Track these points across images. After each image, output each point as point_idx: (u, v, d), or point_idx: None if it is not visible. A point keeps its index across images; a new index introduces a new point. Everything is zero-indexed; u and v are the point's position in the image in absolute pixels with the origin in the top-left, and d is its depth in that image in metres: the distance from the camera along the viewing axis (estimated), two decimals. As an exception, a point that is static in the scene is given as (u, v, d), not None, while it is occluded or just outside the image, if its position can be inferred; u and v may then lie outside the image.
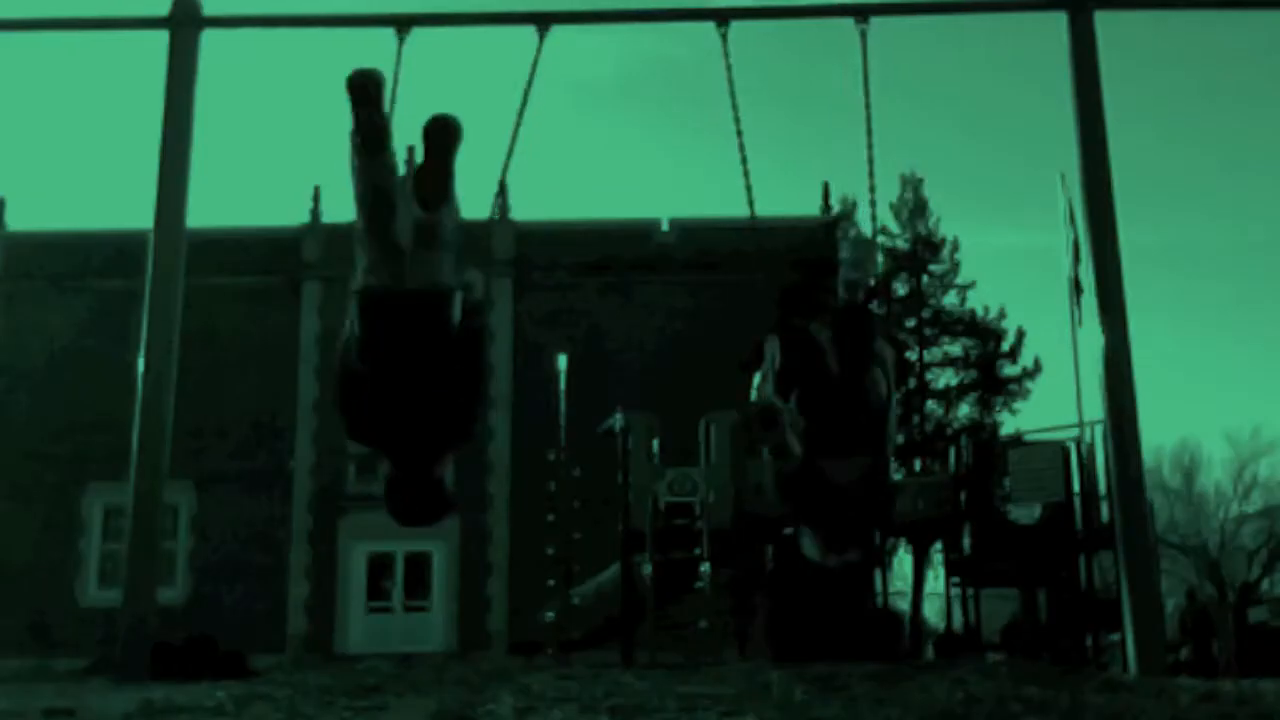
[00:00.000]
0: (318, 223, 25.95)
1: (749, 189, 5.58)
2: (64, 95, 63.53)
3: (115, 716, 3.09)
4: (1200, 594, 27.36)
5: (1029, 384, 35.56)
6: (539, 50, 5.52)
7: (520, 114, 5.47)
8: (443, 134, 3.50)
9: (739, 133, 5.55)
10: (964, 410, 35.34)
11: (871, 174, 5.38)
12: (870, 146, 5.39)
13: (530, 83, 5.52)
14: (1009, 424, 33.71)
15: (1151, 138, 58.38)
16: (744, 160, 5.59)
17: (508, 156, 5.41)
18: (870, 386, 4.35)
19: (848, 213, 35.86)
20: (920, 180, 37.23)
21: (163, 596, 5.54)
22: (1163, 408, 62.39)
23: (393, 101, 5.52)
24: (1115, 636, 13.97)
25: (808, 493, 4.44)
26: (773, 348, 4.54)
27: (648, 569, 13.87)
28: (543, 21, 5.57)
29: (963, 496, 16.20)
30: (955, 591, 18.34)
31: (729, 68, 5.54)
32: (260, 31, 6.41)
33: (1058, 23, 5.66)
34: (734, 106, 5.56)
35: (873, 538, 4.63)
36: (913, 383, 35.21)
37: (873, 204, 4.97)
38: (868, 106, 5.42)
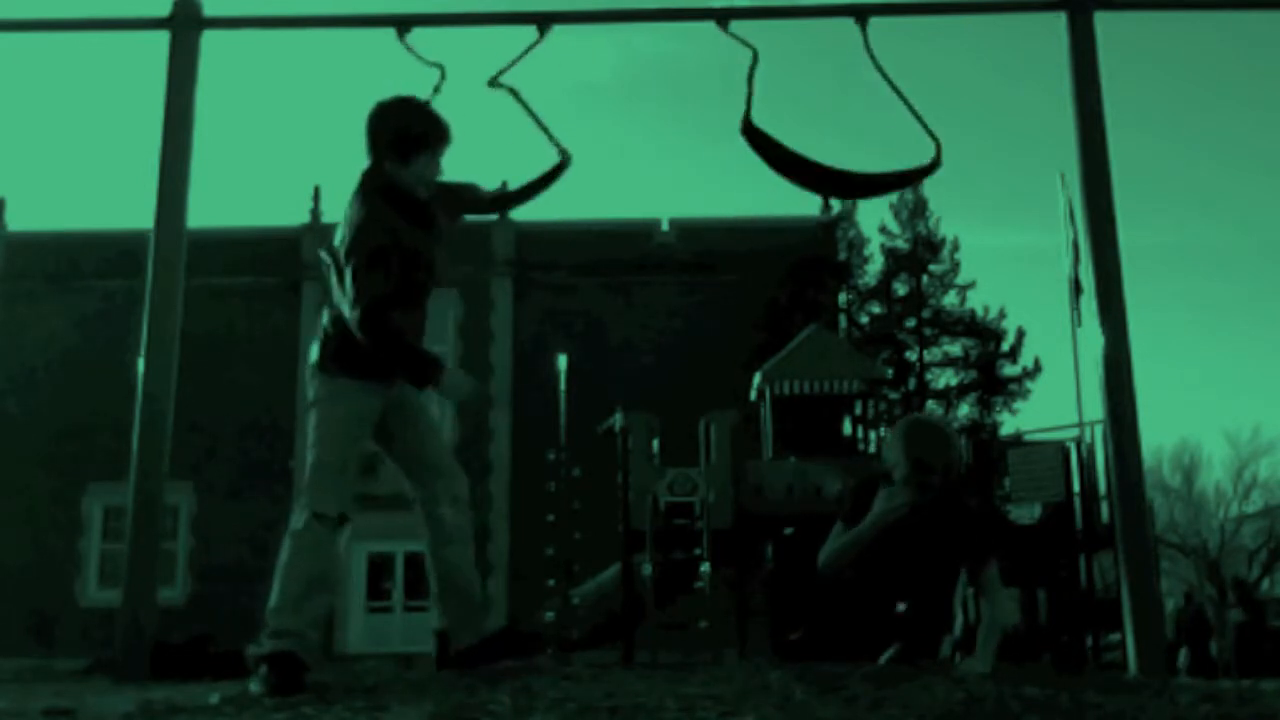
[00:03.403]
0: (318, 223, 25.97)
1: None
2: (64, 95, 63.58)
3: (115, 716, 3.09)
4: (1199, 595, 27.30)
5: (1029, 384, 35.67)
6: (535, 44, 5.53)
7: (544, 130, 5.52)
8: None
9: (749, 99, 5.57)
10: (964, 410, 35.43)
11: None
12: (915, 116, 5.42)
13: (511, 65, 5.52)
14: (1009, 424, 33.80)
15: (1151, 138, 58.42)
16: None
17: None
18: None
19: (847, 212, 35.93)
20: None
21: (163, 596, 5.54)
22: (1163, 408, 62.43)
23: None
24: (1115, 636, 13.96)
25: None
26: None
27: (648, 569, 13.87)
28: (543, 21, 5.57)
29: (962, 496, 16.15)
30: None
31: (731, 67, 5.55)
32: (260, 32, 6.40)
33: (1058, 23, 5.65)
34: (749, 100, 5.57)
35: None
36: (913, 383, 35.25)
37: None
38: (897, 93, 5.46)
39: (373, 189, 3.98)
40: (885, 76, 5.46)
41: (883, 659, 4.40)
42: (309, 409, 4.03)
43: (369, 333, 3.78)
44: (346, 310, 3.83)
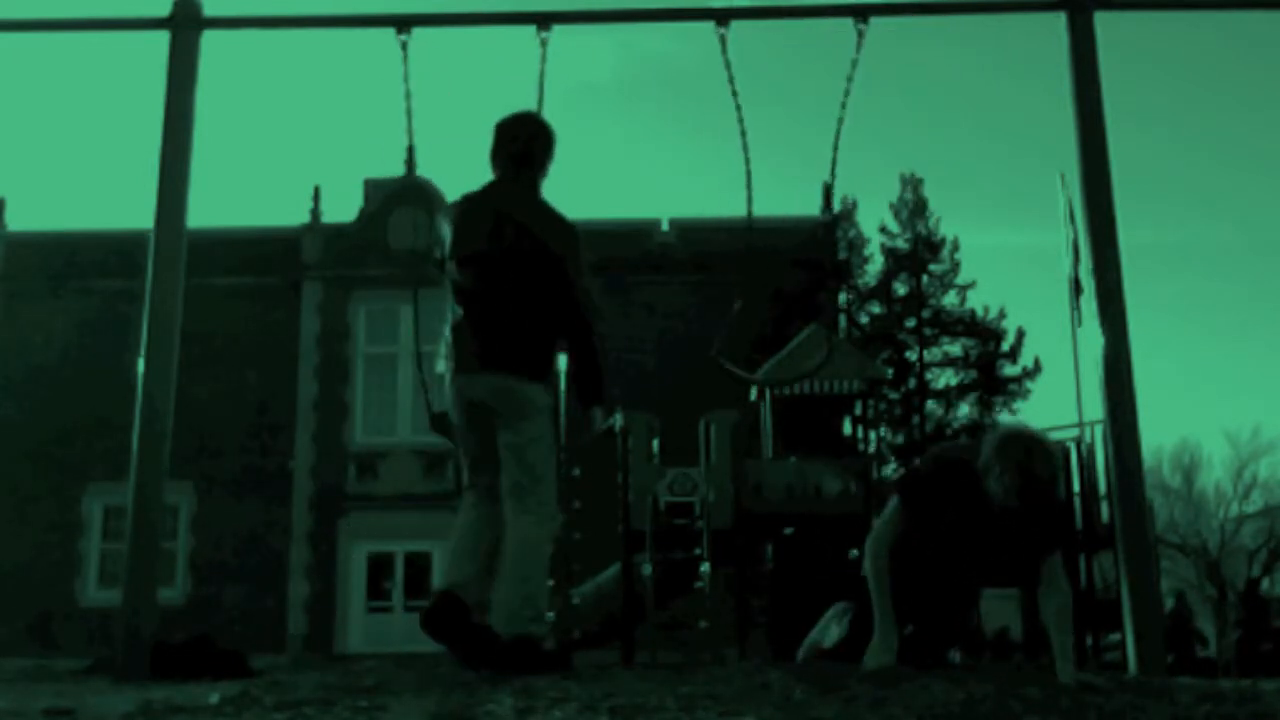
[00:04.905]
0: (318, 223, 25.92)
1: (749, 192, 5.66)
2: (64, 95, 63.59)
3: (115, 716, 3.09)
4: (1189, 598, 27.22)
5: (1029, 384, 35.65)
6: (544, 53, 5.53)
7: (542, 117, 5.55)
8: None
9: (743, 133, 5.61)
10: (964, 410, 35.41)
11: (833, 172, 5.62)
12: (836, 145, 5.61)
13: (541, 86, 5.56)
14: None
15: (1151, 138, 58.44)
16: (747, 161, 5.66)
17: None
18: None
19: (847, 212, 35.95)
20: (920, 180, 37.31)
21: (163, 596, 5.54)
22: (1163, 408, 62.43)
23: (407, 103, 5.54)
24: (1115, 636, 13.94)
25: None
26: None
27: (648, 569, 13.85)
28: (543, 21, 5.57)
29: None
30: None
31: (728, 65, 5.55)
32: (260, 32, 6.41)
33: (1058, 23, 5.65)
34: (737, 107, 5.59)
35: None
36: (913, 383, 35.23)
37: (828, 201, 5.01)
38: (844, 105, 5.55)
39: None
40: (849, 85, 5.52)
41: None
42: (529, 415, 4.37)
43: (593, 345, 4.13)
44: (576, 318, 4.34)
